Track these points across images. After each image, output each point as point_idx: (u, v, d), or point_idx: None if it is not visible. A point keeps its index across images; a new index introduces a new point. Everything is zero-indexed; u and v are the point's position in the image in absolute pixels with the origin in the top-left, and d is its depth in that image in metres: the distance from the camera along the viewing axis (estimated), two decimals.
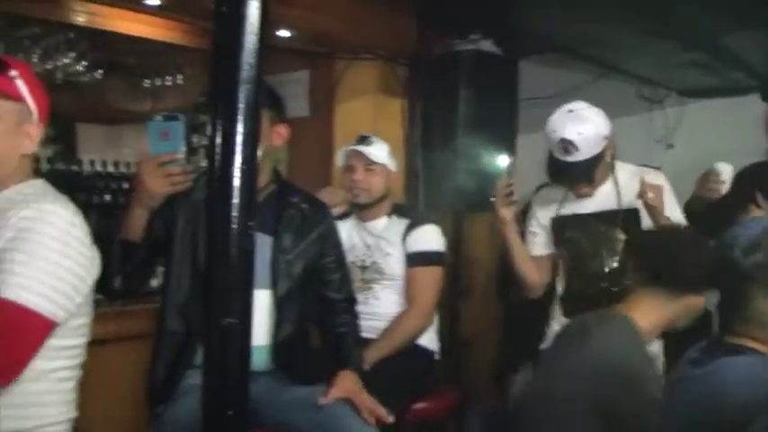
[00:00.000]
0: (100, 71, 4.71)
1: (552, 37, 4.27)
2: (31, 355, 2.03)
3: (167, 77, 5.03)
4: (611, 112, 3.31)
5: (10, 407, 2.05)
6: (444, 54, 4.62)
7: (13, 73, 2.13)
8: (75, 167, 5.68)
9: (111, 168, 5.80)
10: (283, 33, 4.18)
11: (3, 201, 2.12)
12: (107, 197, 5.68)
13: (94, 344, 2.29)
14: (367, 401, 2.84)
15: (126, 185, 5.76)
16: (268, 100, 2.90)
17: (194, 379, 2.64)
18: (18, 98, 2.14)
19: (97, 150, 5.89)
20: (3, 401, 2.04)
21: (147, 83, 5.12)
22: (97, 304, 2.31)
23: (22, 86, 2.14)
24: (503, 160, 4.02)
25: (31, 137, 2.19)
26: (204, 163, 5.08)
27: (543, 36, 4.36)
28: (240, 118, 1.33)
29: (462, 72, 4.49)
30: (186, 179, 2.51)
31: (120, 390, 3.18)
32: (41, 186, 2.22)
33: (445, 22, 4.56)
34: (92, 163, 5.75)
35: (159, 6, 3.87)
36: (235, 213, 1.31)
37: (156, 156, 2.47)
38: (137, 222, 2.63)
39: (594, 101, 3.32)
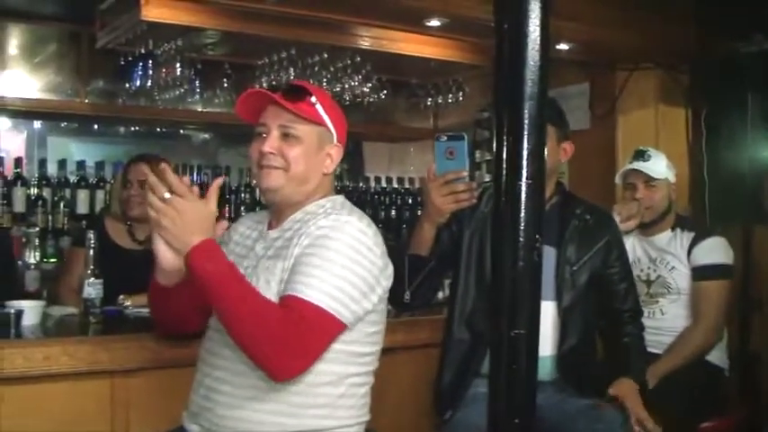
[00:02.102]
0: (384, 91, 4.90)
1: None
2: (319, 352, 2.13)
3: (448, 95, 5.13)
4: None
5: (311, 407, 2.18)
6: (728, 57, 4.43)
7: (314, 99, 2.29)
8: (362, 184, 5.94)
9: (395, 185, 6.01)
10: (562, 46, 4.18)
11: (304, 214, 2.29)
12: (392, 212, 5.90)
13: (384, 352, 2.39)
14: (638, 411, 2.79)
15: (410, 200, 5.95)
16: (556, 118, 2.93)
17: (480, 387, 2.71)
18: (319, 122, 2.30)
19: (382, 167, 6.12)
20: (304, 402, 2.17)
21: (428, 101, 5.26)
22: (387, 315, 2.41)
23: (321, 111, 2.30)
24: None
25: (332, 157, 2.35)
26: (487, 178, 5.16)
27: None
28: (525, 133, 1.34)
29: (749, 75, 4.29)
30: (471, 196, 2.57)
31: (407, 396, 3.27)
32: (340, 201, 2.37)
33: (726, 24, 4.37)
34: (377, 180, 5.99)
35: (439, 27, 4.00)
36: (522, 227, 1.33)
37: (443, 174, 2.56)
38: (425, 237, 2.73)
39: None
